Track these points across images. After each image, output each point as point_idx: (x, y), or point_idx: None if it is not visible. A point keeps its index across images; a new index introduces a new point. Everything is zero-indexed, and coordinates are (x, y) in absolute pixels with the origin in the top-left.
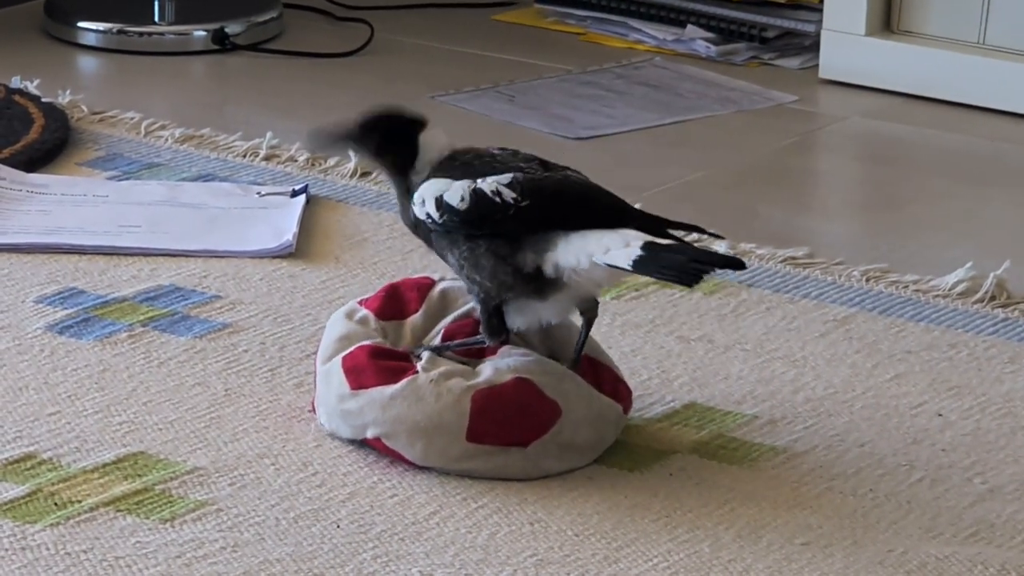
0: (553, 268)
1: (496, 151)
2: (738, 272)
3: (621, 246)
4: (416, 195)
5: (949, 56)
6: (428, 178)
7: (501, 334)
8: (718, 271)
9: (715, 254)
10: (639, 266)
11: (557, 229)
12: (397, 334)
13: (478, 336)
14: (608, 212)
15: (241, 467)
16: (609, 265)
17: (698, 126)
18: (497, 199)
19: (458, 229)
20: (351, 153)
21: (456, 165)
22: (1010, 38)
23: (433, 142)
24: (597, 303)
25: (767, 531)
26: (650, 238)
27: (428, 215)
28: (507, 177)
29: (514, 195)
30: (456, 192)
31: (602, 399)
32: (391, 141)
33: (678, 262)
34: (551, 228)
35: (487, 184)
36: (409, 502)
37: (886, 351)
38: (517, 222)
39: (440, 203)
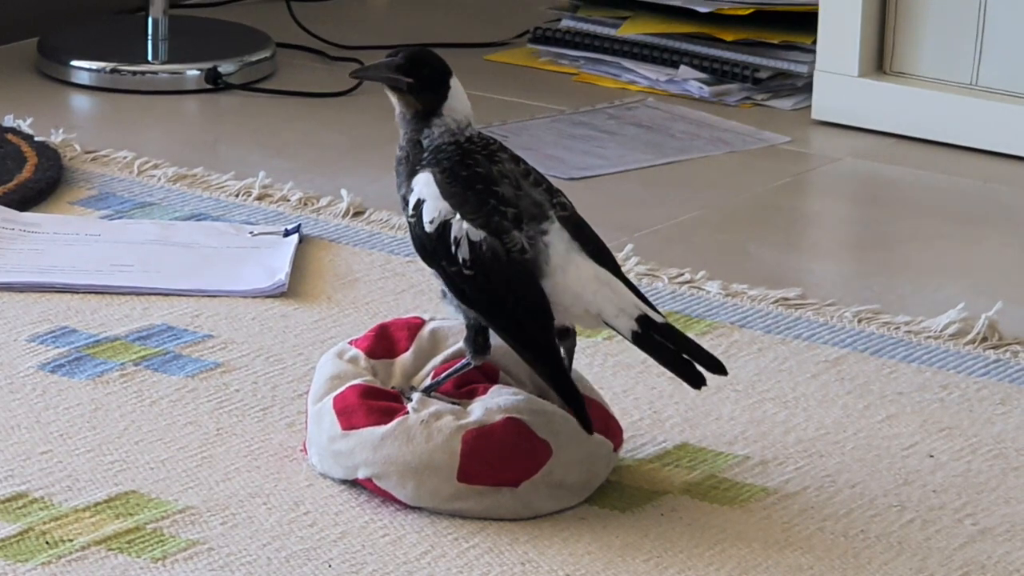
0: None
1: (508, 162)
2: (730, 313)
3: (614, 313)
4: (415, 179)
5: (942, 97)
6: (438, 152)
7: (486, 352)
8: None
9: (699, 350)
10: (639, 342)
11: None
12: (387, 373)
13: (464, 360)
14: (534, 338)
15: (233, 506)
16: (608, 324)
17: (691, 167)
18: (453, 247)
19: (417, 246)
20: (387, 86)
21: (463, 173)
22: (1003, 80)
23: (459, 92)
24: (574, 332)
25: (758, 572)
26: (644, 308)
27: (407, 204)
28: (479, 234)
29: (467, 256)
30: (433, 209)
31: (593, 437)
32: (432, 78)
33: (680, 359)
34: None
35: (457, 226)
36: (401, 542)
37: (877, 392)
38: (455, 283)
39: (417, 208)
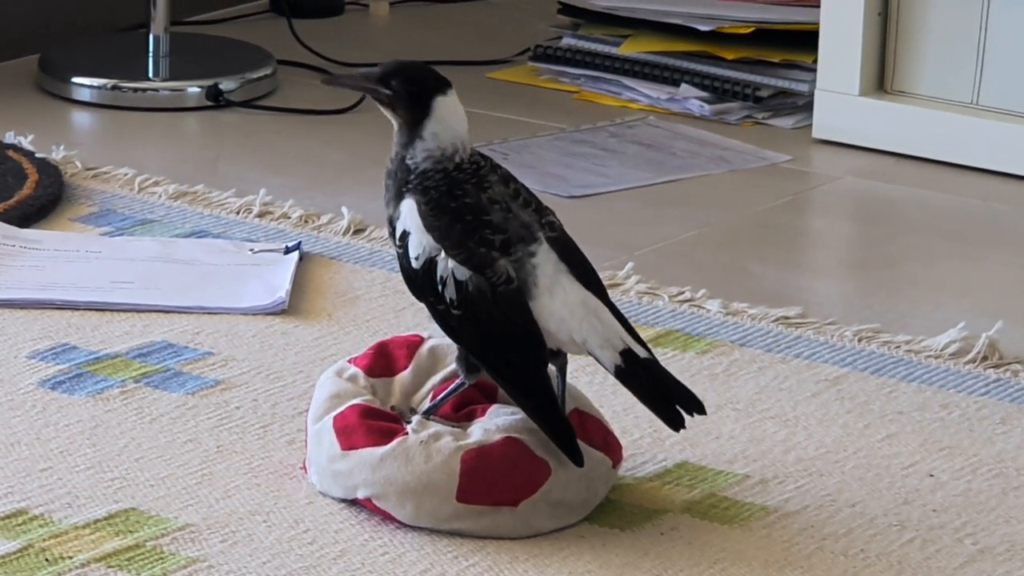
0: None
1: (498, 184)
2: (730, 332)
3: (599, 344)
4: (401, 204)
5: (942, 116)
6: (424, 178)
7: (479, 370)
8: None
9: (680, 388)
10: (621, 377)
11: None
12: (386, 391)
13: (458, 381)
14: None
15: (232, 524)
16: (591, 354)
17: (691, 185)
18: (439, 287)
19: (405, 278)
20: (372, 97)
21: (451, 204)
22: (1003, 99)
23: (448, 113)
24: (564, 351)
25: None
26: (628, 342)
27: (394, 230)
28: (464, 272)
29: (453, 296)
30: (417, 244)
31: (593, 454)
32: (409, 92)
33: (659, 399)
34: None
35: (443, 264)
36: (400, 560)
37: (878, 411)
38: (444, 319)
39: (403, 240)
